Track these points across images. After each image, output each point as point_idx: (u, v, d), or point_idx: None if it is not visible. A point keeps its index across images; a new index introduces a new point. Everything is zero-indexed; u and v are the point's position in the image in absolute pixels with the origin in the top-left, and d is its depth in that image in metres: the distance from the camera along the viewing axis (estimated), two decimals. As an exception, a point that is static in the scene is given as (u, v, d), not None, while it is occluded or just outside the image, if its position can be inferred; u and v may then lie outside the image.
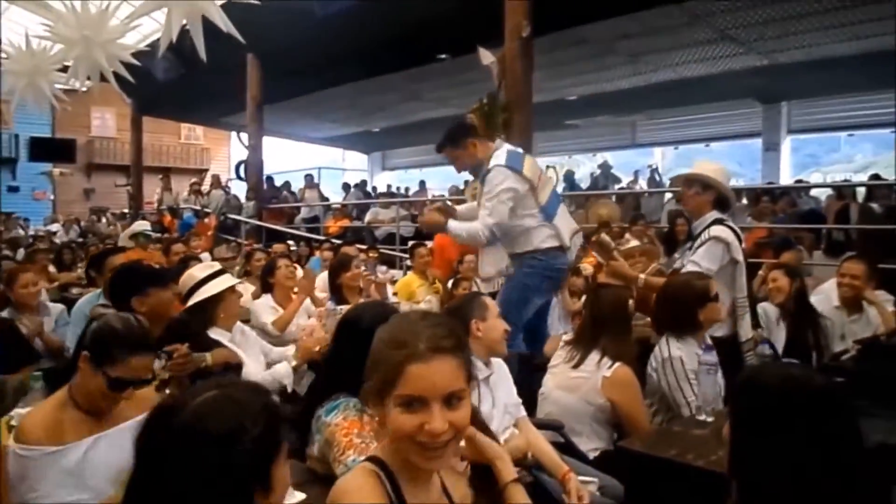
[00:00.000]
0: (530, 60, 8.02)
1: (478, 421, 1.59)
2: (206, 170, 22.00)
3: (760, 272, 5.39)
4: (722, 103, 13.93)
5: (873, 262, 4.53)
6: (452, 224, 3.84)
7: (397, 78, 12.18)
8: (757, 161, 14.76)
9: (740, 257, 3.40)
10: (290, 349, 3.32)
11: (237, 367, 2.86)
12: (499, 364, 2.64)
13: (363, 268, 4.48)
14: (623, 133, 17.07)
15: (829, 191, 10.17)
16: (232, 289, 3.17)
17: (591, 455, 2.76)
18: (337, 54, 10.53)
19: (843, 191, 8.54)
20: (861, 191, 9.52)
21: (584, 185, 14.18)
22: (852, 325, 4.07)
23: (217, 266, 3.27)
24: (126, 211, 16.81)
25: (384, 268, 7.74)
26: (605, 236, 3.64)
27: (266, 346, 3.47)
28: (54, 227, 17.10)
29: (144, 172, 17.34)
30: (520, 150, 3.94)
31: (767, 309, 3.87)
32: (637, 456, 2.19)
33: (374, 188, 16.63)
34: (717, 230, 3.42)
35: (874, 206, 7.80)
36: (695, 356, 2.84)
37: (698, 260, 3.39)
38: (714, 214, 3.50)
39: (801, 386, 1.40)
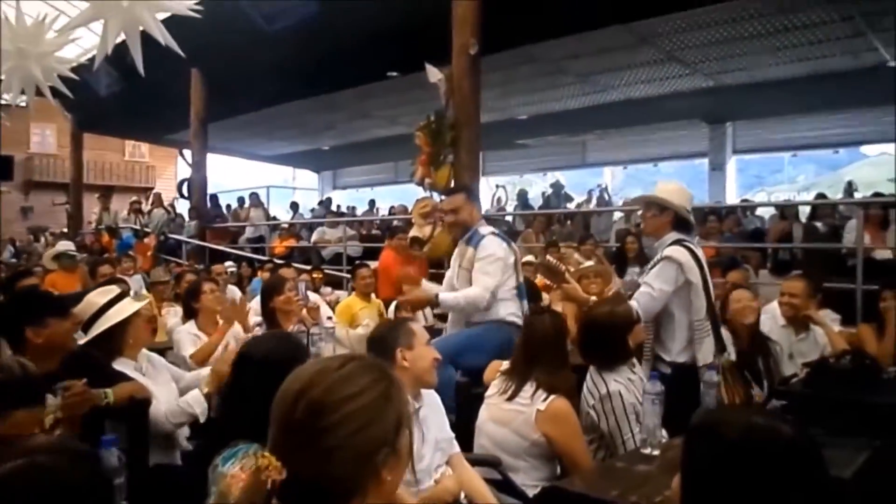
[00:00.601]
0: (478, 78, 7.93)
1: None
2: (152, 188, 21.44)
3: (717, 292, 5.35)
4: (670, 123, 14.06)
5: (818, 280, 4.50)
6: (445, 296, 3.81)
7: (346, 95, 12.02)
8: (705, 181, 14.96)
9: (696, 278, 3.26)
10: (205, 371, 3.03)
11: (145, 401, 2.60)
12: (429, 396, 2.46)
13: (295, 292, 4.24)
14: (573, 153, 17.14)
15: (773, 210, 10.30)
16: (137, 313, 2.93)
17: (531, 492, 2.56)
18: (284, 71, 10.32)
19: (786, 211, 8.62)
20: (805, 211, 9.66)
21: (537, 204, 14.14)
22: (800, 345, 4.02)
23: (116, 290, 3.02)
24: (66, 230, 16.18)
25: (328, 289, 7.55)
26: (550, 258, 3.49)
27: (177, 371, 3.21)
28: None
29: (87, 191, 16.78)
30: None
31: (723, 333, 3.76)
32: (576, 498, 2.01)
33: (327, 204, 16.29)
34: (671, 250, 3.32)
35: (818, 224, 7.88)
36: (630, 383, 2.74)
37: (650, 281, 3.29)
38: (673, 235, 3.40)
39: (766, 438, 1.19)
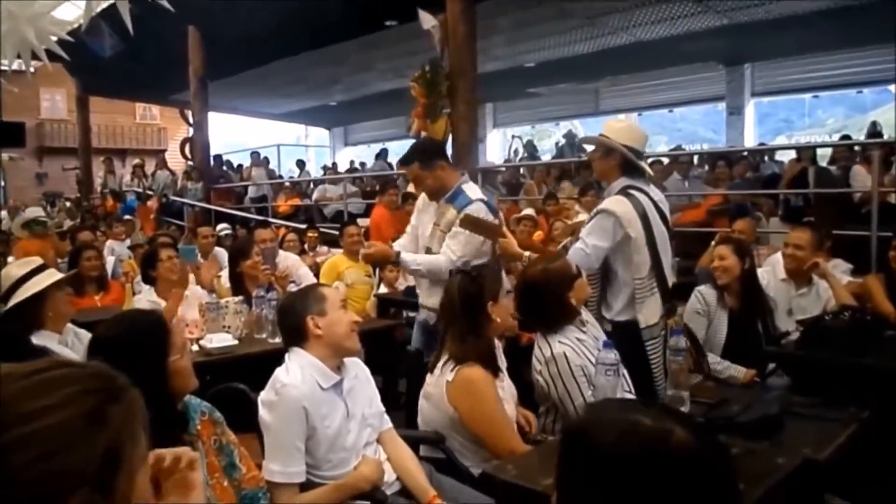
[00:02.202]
0: (474, 24, 7.57)
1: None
2: (164, 150, 21.36)
3: (713, 243, 5.02)
4: (684, 67, 13.47)
5: (829, 228, 4.17)
6: (406, 256, 3.40)
7: (348, 48, 11.65)
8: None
9: (636, 232, 2.91)
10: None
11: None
12: (355, 366, 2.23)
13: (261, 257, 4.02)
14: (586, 101, 16.60)
15: (793, 154, 9.84)
16: (58, 285, 2.73)
17: (476, 471, 2.33)
18: (281, 24, 10.00)
19: (801, 153, 8.15)
20: (826, 154, 9.19)
21: (552, 155, 13.76)
22: (800, 300, 3.69)
23: (38, 261, 2.84)
24: (78, 196, 16.17)
25: (325, 248, 7.35)
26: (469, 213, 3.13)
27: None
28: (1, 213, 16.41)
29: (98, 154, 16.69)
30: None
31: (705, 293, 3.43)
32: (505, 487, 1.77)
33: (333, 169, 16.04)
34: (609, 202, 2.98)
35: (832, 168, 7.46)
36: (579, 343, 2.49)
37: (584, 236, 2.97)
38: (623, 182, 3.04)
39: (650, 444, 0.89)
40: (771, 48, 12.13)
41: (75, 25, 7.41)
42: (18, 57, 7.32)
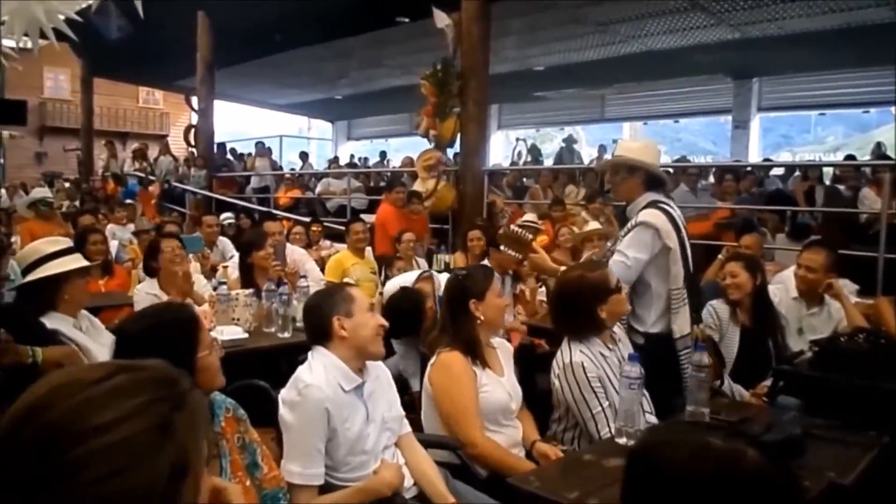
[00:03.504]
0: (488, 25, 7.56)
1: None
2: (166, 135, 21.26)
3: (720, 256, 5.03)
4: (693, 78, 13.49)
5: (836, 248, 4.16)
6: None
7: (357, 42, 11.62)
8: (728, 139, 14.42)
9: (673, 244, 2.94)
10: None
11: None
12: (377, 369, 2.22)
13: (274, 250, 3.99)
14: (592, 107, 16.59)
15: (796, 172, 9.85)
16: (81, 272, 2.70)
17: (486, 474, 2.33)
18: (293, 15, 9.97)
19: (809, 172, 8.17)
20: (828, 173, 9.21)
21: (550, 160, 13.74)
22: (811, 320, 3.69)
23: (68, 243, 2.80)
24: (77, 177, 16.08)
25: (328, 243, 7.31)
26: (515, 228, 3.14)
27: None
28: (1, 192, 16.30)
29: (100, 137, 16.60)
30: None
31: (718, 308, 3.44)
32: (527, 497, 1.75)
33: (337, 158, 16.00)
34: (646, 214, 2.98)
35: (841, 188, 7.47)
36: (601, 358, 2.49)
37: (624, 249, 2.96)
38: (648, 196, 3.05)
39: (723, 468, 0.88)
40: (780, 63, 12.14)
41: (84, 5, 7.37)
42: (26, 35, 7.29)
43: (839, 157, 14.37)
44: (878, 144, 10.75)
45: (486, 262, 4.77)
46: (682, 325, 2.93)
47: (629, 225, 3.03)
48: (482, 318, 2.56)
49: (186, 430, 0.78)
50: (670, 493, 0.89)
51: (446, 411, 2.44)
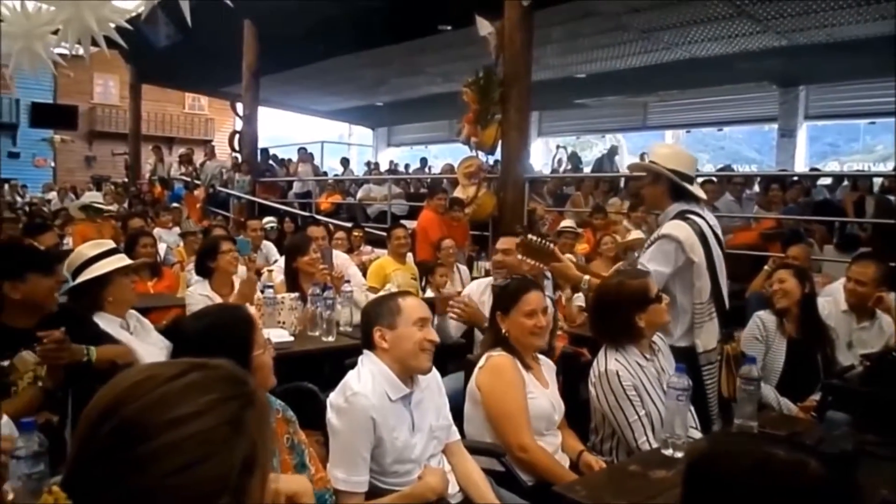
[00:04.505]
0: (530, 32, 7.56)
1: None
2: (211, 140, 21.70)
3: (766, 267, 4.94)
4: (737, 86, 13.27)
5: (887, 260, 4.07)
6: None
7: (398, 50, 11.74)
8: (773, 148, 14.18)
9: (698, 257, 2.87)
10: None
11: (124, 364, 2.45)
12: (427, 377, 2.20)
13: (319, 255, 4.04)
14: (634, 114, 16.44)
15: (846, 182, 9.63)
16: (124, 270, 2.79)
17: (530, 482, 2.33)
18: (336, 23, 10.10)
19: (859, 182, 7.97)
20: (877, 183, 8.98)
21: (588, 168, 13.66)
22: (861, 333, 3.61)
23: (110, 244, 2.88)
24: (126, 180, 16.50)
25: (369, 248, 7.38)
26: (533, 237, 3.08)
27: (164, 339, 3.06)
28: (51, 194, 16.80)
29: (146, 142, 17.02)
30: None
31: (765, 319, 3.38)
32: (575, 506, 1.75)
33: (377, 164, 16.14)
34: (669, 226, 2.92)
35: (892, 198, 7.29)
36: (637, 367, 2.47)
37: (646, 261, 2.92)
38: (678, 207, 2.98)
39: (786, 479, 0.89)
40: (827, 71, 11.91)
41: (134, 14, 7.55)
42: (79, 42, 7.51)
43: (888, 166, 14.01)
44: None
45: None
46: (706, 340, 2.89)
47: (653, 236, 2.99)
48: (507, 332, 2.57)
49: (256, 426, 0.81)
50: (734, 502, 0.89)
51: (496, 414, 2.43)
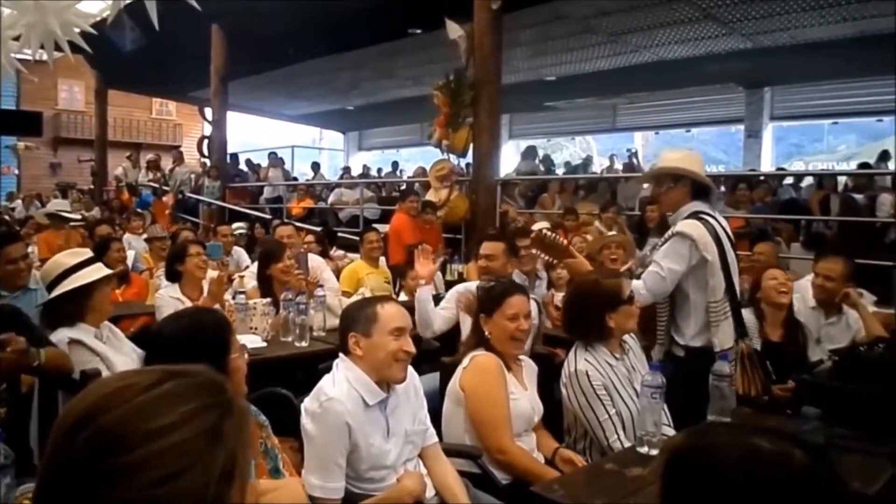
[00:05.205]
0: (500, 36, 7.58)
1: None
2: (179, 146, 21.42)
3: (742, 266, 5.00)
4: (704, 87, 13.46)
5: (852, 257, 4.15)
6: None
7: (369, 54, 11.70)
8: (740, 149, 14.37)
9: (711, 255, 2.90)
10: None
11: (91, 372, 2.40)
12: (405, 383, 2.17)
13: (294, 261, 4.01)
14: (603, 116, 16.58)
15: (811, 180, 9.80)
16: (106, 280, 2.74)
17: (506, 480, 2.33)
18: (305, 27, 10.05)
19: (824, 181, 8.14)
20: (842, 181, 9.16)
21: (561, 170, 13.74)
22: (829, 329, 3.68)
23: (87, 253, 2.83)
24: (91, 187, 16.23)
25: (341, 252, 7.34)
26: (548, 232, 3.10)
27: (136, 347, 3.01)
28: (15, 203, 16.46)
29: (113, 148, 16.77)
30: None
31: (746, 318, 3.43)
32: (554, 506, 1.75)
33: (349, 168, 16.07)
34: (684, 225, 2.95)
35: (857, 196, 7.44)
36: (607, 367, 2.50)
37: (660, 259, 2.94)
38: (693, 206, 3.02)
39: (772, 469, 0.88)
40: (792, 73, 12.11)
41: (99, 18, 7.44)
42: (42, 47, 7.37)
43: (851, 166, 14.29)
44: (884, 153, 10.62)
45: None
46: (723, 338, 2.90)
47: (667, 235, 3.01)
48: (489, 334, 2.57)
49: (234, 435, 0.80)
50: (719, 496, 0.89)
51: (478, 414, 2.43)
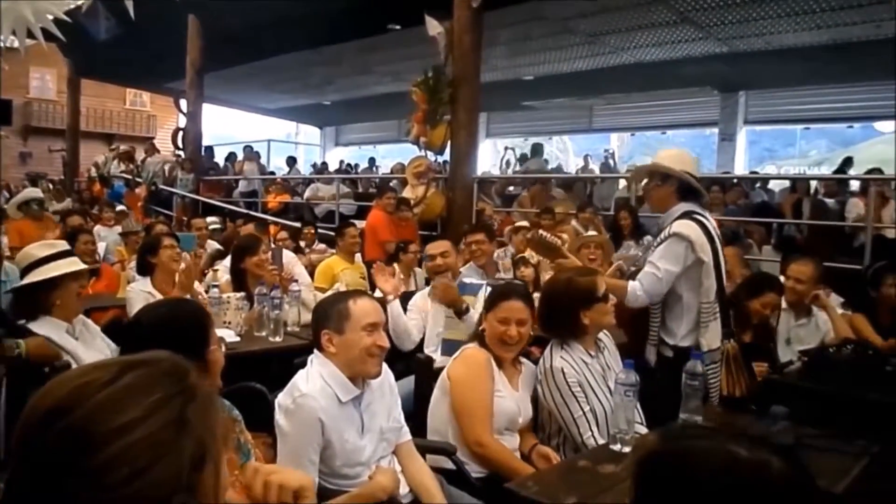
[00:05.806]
0: (480, 33, 7.58)
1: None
2: (152, 137, 21.14)
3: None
4: (680, 90, 13.59)
5: (822, 260, 4.22)
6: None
7: (347, 49, 11.65)
8: (714, 152, 14.54)
9: (707, 257, 2.90)
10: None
11: (60, 366, 2.37)
12: (379, 379, 2.16)
13: (269, 256, 3.98)
14: (580, 117, 16.68)
15: (784, 184, 9.92)
16: (75, 275, 2.68)
17: (481, 474, 2.35)
18: (283, 21, 9.97)
19: (797, 184, 8.27)
20: (814, 185, 9.28)
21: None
22: (799, 330, 3.75)
23: (63, 245, 2.77)
24: (63, 177, 15.96)
25: (322, 246, 7.29)
26: (544, 233, 3.12)
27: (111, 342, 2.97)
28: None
29: (86, 138, 16.51)
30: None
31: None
32: (527, 502, 1.76)
33: (322, 168, 15.96)
34: (679, 225, 2.93)
35: (828, 201, 7.56)
36: (582, 364, 2.52)
37: (655, 260, 2.93)
38: (683, 207, 3.01)
39: (752, 479, 0.87)
40: (767, 78, 12.27)
41: (73, 5, 7.32)
42: (13, 34, 7.23)
43: (822, 170, 14.49)
44: (847, 159, 10.67)
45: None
46: (710, 339, 2.91)
47: (662, 235, 3.00)
48: (484, 330, 2.59)
49: (200, 420, 0.79)
50: (697, 503, 0.89)
51: (460, 404, 2.45)
